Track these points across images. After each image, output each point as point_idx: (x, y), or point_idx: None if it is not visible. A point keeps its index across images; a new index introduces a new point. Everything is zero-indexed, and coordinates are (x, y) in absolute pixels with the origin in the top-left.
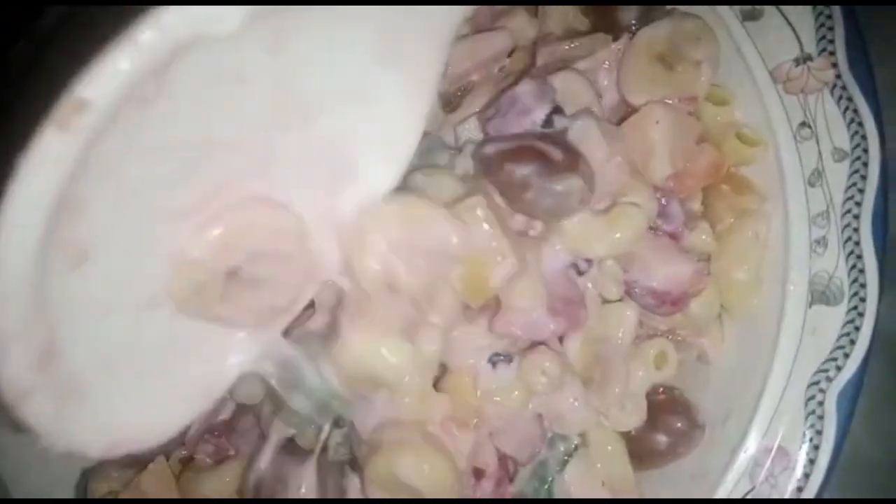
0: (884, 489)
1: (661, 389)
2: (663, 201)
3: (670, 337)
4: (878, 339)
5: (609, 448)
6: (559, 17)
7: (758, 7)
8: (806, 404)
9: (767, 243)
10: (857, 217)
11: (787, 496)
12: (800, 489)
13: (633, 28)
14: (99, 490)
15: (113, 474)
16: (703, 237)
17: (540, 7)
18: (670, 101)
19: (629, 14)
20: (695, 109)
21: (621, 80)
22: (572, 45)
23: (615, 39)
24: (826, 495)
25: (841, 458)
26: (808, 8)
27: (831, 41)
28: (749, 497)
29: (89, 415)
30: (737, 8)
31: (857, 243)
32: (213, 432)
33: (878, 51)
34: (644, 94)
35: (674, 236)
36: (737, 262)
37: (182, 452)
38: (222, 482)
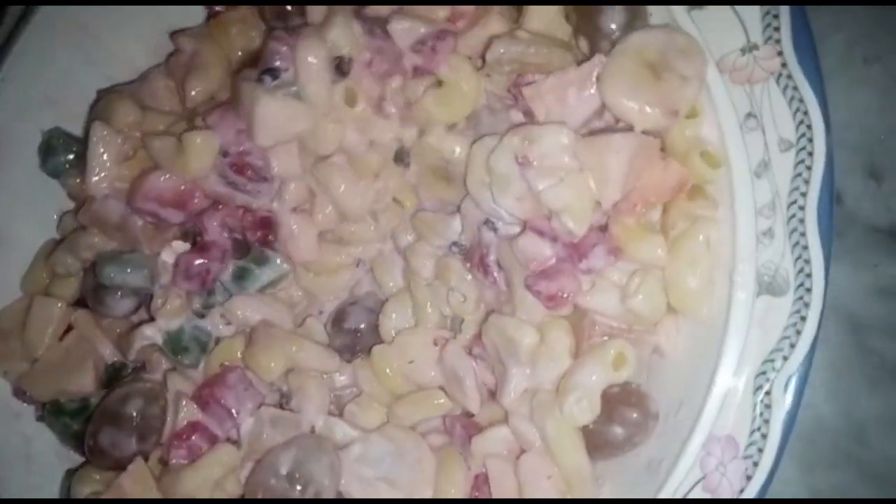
0: (846, 455)
1: None
2: (594, 242)
3: (627, 334)
4: (838, 312)
5: (566, 442)
6: (541, 20)
7: None
8: (754, 393)
9: (718, 248)
10: (802, 208)
11: (735, 484)
12: (748, 477)
13: (615, 36)
14: (81, 491)
15: (95, 476)
16: (658, 251)
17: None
18: (651, 111)
19: (613, 19)
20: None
21: (605, 80)
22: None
23: (591, 49)
24: (788, 467)
25: (804, 427)
26: None
27: (776, 28)
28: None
29: None
30: None
31: (803, 234)
32: (180, 436)
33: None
34: (627, 98)
35: (589, 271)
36: (689, 269)
37: (160, 453)
38: (203, 477)
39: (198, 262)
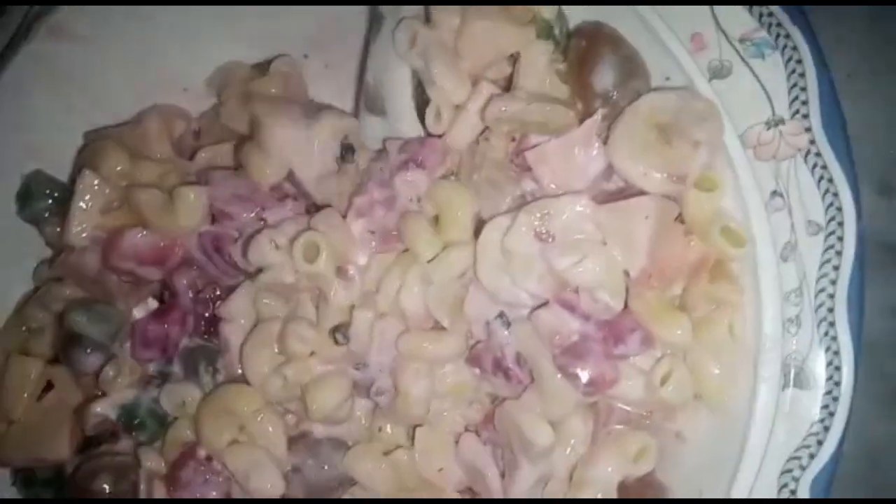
0: (858, 479)
1: None
2: (632, 327)
3: (646, 420)
4: None
5: None
6: (534, 80)
7: (725, 63)
8: (779, 491)
9: (743, 336)
10: (831, 296)
11: None
12: None
13: (612, 97)
14: None
15: None
16: (679, 332)
17: (518, 68)
18: (658, 175)
19: (605, 80)
20: (679, 193)
21: (613, 142)
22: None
23: (585, 109)
24: None
25: None
26: (780, 64)
27: (804, 102)
28: None
29: None
30: (704, 65)
31: (832, 324)
32: None
33: None
34: (633, 161)
35: (622, 357)
36: (712, 358)
37: None
38: None
39: (155, 327)
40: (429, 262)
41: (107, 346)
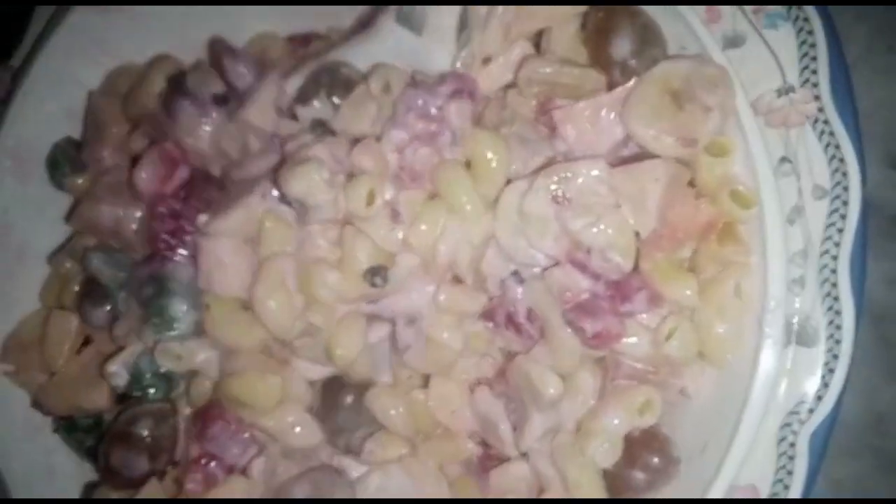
0: (865, 445)
1: None
2: (639, 286)
3: (652, 375)
4: (867, 308)
5: (586, 485)
6: (562, 44)
7: (739, 34)
8: (778, 444)
9: (748, 296)
10: (835, 258)
11: None
12: None
13: (631, 64)
14: None
15: (112, 494)
16: (687, 292)
17: (548, 34)
18: (669, 139)
19: (623, 49)
20: (691, 158)
21: (628, 107)
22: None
23: (608, 77)
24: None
25: None
26: (792, 34)
27: (814, 71)
28: None
29: None
30: (718, 35)
31: (835, 284)
32: (197, 463)
33: None
34: (645, 125)
35: (628, 314)
36: (718, 316)
37: (175, 472)
38: None
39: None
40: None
41: (113, 296)
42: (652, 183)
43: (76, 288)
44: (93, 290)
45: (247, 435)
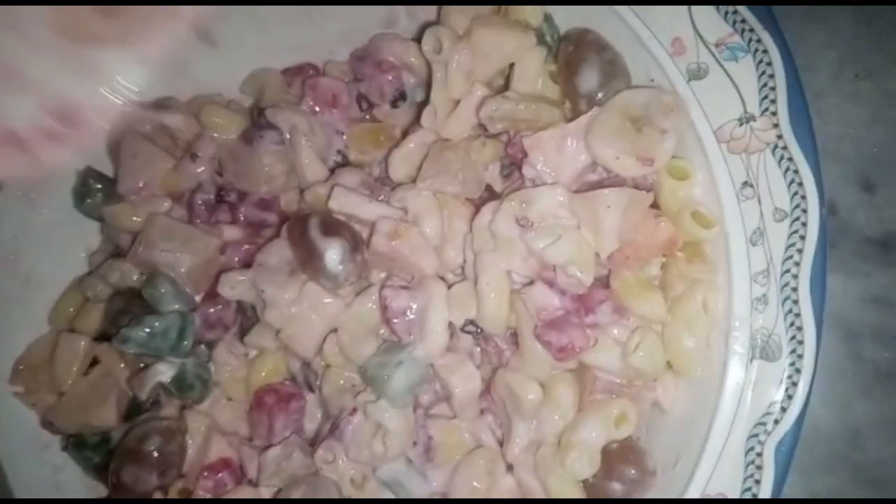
0: (841, 458)
1: None
2: (601, 299)
3: (627, 389)
4: (832, 320)
5: (567, 495)
6: (527, 83)
7: (703, 66)
8: (746, 454)
9: (715, 312)
10: (795, 277)
11: None
12: None
13: (597, 97)
14: None
15: None
16: (655, 307)
17: (514, 70)
18: (629, 159)
19: (590, 82)
20: (654, 182)
21: (591, 132)
22: (528, 108)
23: (573, 108)
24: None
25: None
26: (752, 66)
27: (773, 101)
28: None
29: None
30: (683, 67)
31: (796, 302)
32: (210, 469)
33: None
34: (607, 147)
35: (594, 326)
36: (686, 330)
37: (179, 485)
38: None
39: (211, 311)
40: None
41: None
42: (605, 209)
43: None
44: (131, 311)
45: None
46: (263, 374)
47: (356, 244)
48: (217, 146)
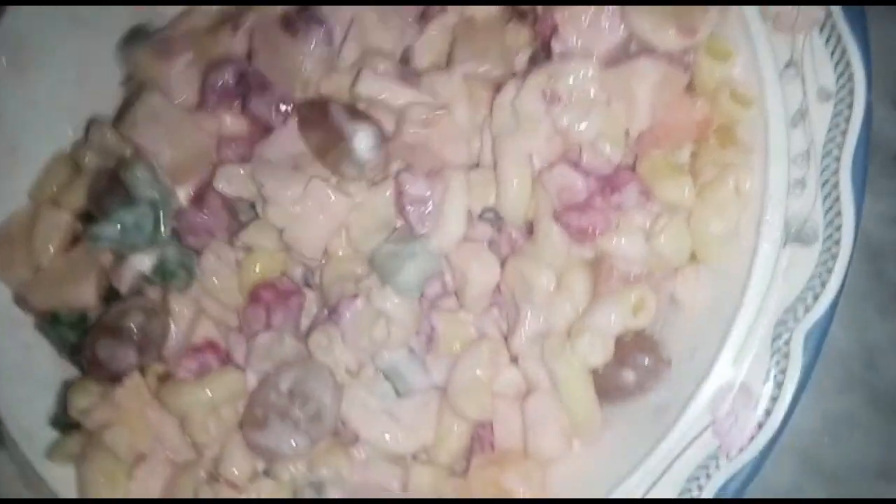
0: (857, 380)
1: None
2: (628, 179)
3: (646, 279)
4: (862, 241)
5: (575, 384)
6: None
7: None
8: (772, 342)
9: (747, 195)
10: (837, 159)
11: (747, 431)
12: (760, 425)
13: None
14: (77, 403)
15: (91, 388)
16: (685, 191)
17: None
18: (670, 30)
19: None
20: (692, 63)
21: (629, 6)
22: None
23: None
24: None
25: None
26: None
27: None
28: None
29: None
30: None
31: (836, 185)
32: (196, 350)
33: None
34: (648, 17)
35: (618, 208)
36: (715, 216)
37: (159, 368)
38: (205, 396)
39: (199, 219)
40: None
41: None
42: (640, 81)
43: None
44: (114, 192)
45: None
46: (258, 270)
47: (382, 133)
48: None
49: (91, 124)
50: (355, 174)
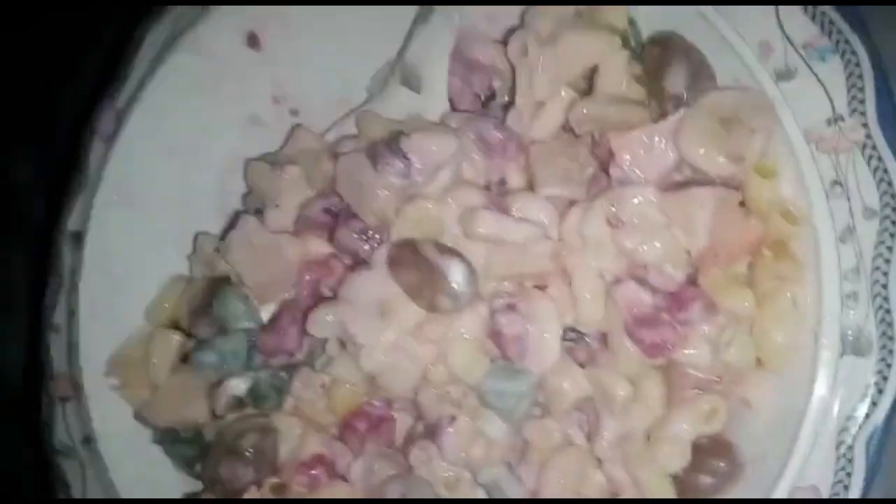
0: None
1: None
2: (693, 297)
3: (716, 385)
4: None
5: (657, 488)
6: (612, 84)
7: (790, 67)
8: (837, 448)
9: (805, 308)
10: (885, 274)
11: None
12: None
13: (685, 98)
14: None
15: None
16: (744, 303)
17: (599, 72)
18: (719, 158)
19: (677, 83)
20: (742, 180)
21: (680, 132)
22: (618, 109)
23: (660, 109)
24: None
25: None
26: (840, 68)
27: (861, 101)
28: None
29: None
30: (771, 69)
31: (886, 298)
32: (306, 466)
33: None
34: (697, 146)
35: (685, 323)
36: (775, 325)
37: (273, 480)
38: None
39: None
40: None
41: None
42: (698, 208)
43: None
44: (207, 311)
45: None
46: (346, 400)
47: (470, 265)
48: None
49: (197, 237)
50: (451, 308)
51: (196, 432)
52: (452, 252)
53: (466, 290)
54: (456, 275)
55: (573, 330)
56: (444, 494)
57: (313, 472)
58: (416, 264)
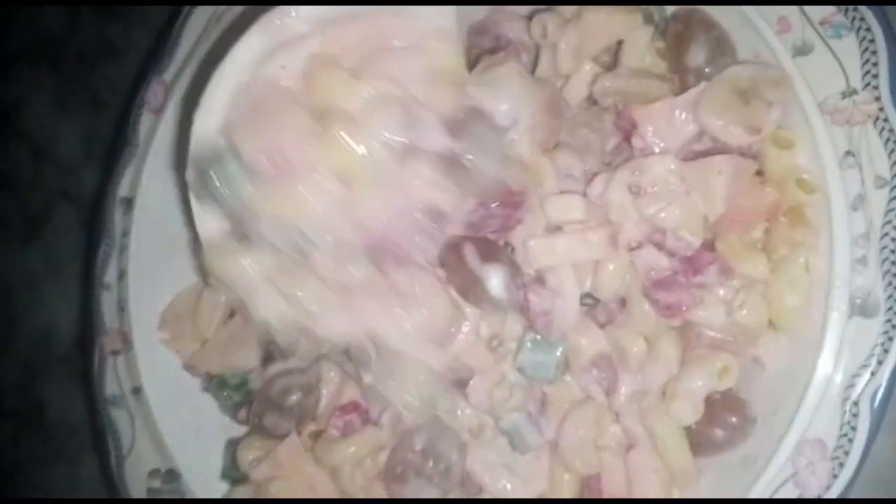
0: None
1: None
2: (709, 261)
3: (730, 346)
4: None
5: (671, 440)
6: (636, 58)
7: (807, 43)
8: (843, 404)
9: (817, 272)
10: (894, 239)
11: (823, 481)
12: (835, 476)
13: (706, 72)
14: (246, 457)
15: (257, 445)
16: (759, 267)
17: (623, 47)
18: (737, 128)
19: (698, 58)
20: (759, 150)
21: (700, 104)
22: (639, 83)
23: (682, 82)
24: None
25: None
26: (855, 44)
27: (875, 76)
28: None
29: None
30: (788, 44)
31: (894, 263)
32: (342, 410)
33: None
34: (716, 118)
35: (701, 286)
36: (789, 289)
37: (311, 427)
38: (350, 451)
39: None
40: None
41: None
42: (717, 175)
43: None
44: None
45: None
46: None
47: (515, 268)
48: None
49: None
50: (495, 310)
51: (242, 380)
52: (495, 256)
53: (506, 296)
54: (494, 281)
55: (590, 296)
56: (468, 441)
57: (348, 416)
58: (460, 269)
